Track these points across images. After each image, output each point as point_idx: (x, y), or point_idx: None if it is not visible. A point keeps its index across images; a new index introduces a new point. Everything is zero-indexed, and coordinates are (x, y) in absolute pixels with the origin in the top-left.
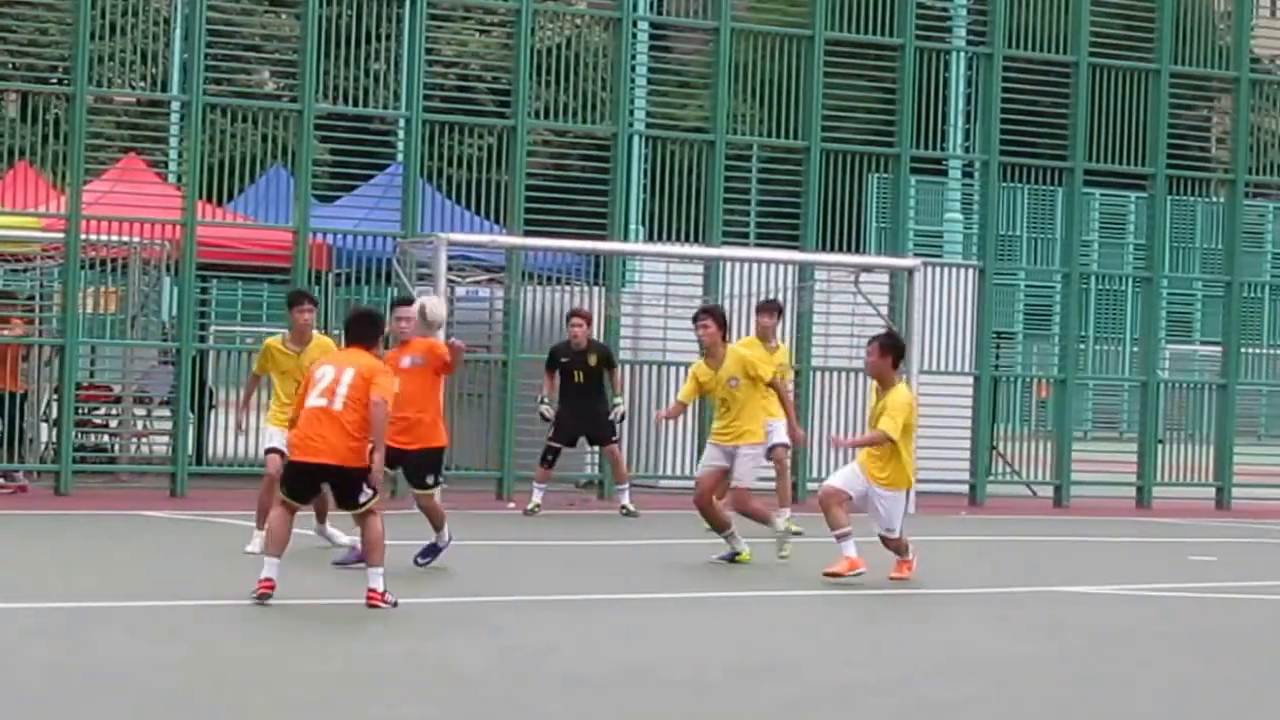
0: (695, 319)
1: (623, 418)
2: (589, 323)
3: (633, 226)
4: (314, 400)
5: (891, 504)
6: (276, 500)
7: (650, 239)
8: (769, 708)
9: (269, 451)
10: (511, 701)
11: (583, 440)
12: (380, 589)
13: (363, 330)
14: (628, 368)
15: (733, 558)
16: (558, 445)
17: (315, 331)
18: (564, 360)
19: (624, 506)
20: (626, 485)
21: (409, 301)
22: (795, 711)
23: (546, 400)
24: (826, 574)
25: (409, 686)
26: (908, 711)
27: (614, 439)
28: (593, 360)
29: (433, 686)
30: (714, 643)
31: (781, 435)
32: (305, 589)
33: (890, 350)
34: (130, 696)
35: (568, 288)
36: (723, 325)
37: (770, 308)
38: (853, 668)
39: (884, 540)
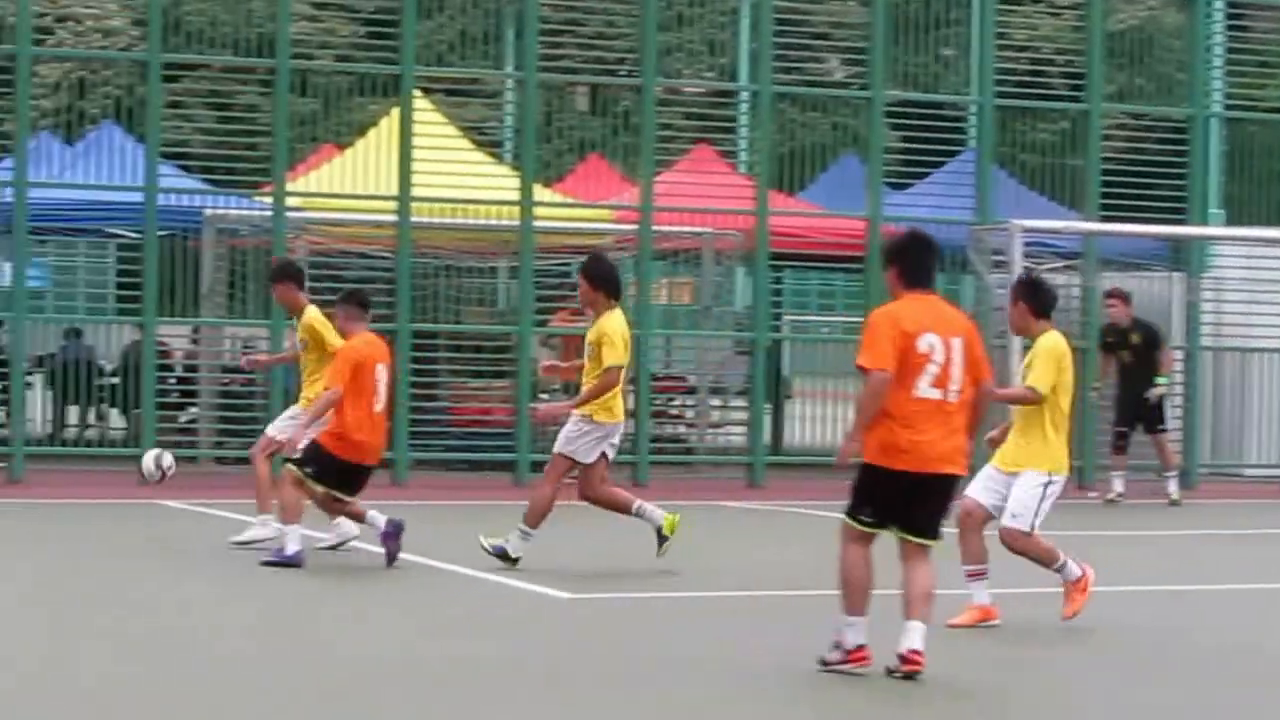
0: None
1: (1160, 400)
2: (1125, 301)
3: (1211, 210)
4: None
5: (1022, 488)
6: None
7: (1231, 223)
8: None
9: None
10: None
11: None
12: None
13: None
14: (1209, 355)
15: None
16: (1122, 429)
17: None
18: (1109, 340)
19: (1170, 496)
20: (1174, 474)
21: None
22: None
23: (1098, 384)
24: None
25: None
26: None
27: (1159, 427)
28: (1135, 339)
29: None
30: None
31: None
32: None
33: (1022, 297)
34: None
35: (1146, 274)
36: None
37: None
38: None
39: (1004, 538)
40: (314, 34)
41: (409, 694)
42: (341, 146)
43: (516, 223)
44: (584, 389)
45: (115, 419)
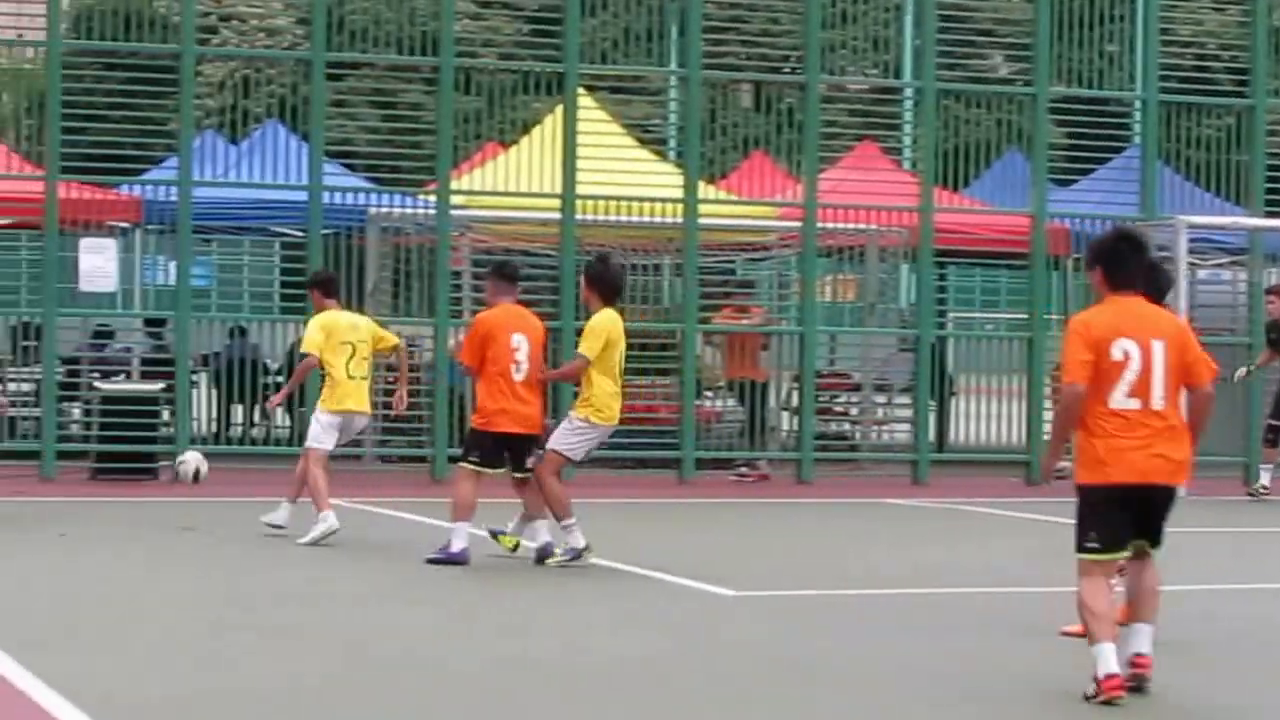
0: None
1: None
2: None
3: None
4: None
5: None
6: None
7: None
8: None
9: None
10: None
11: None
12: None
13: None
14: None
15: None
16: (1275, 423)
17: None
18: (1272, 337)
19: (1260, 486)
20: (1271, 465)
21: None
22: None
23: (1251, 367)
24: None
25: None
26: None
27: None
28: None
29: None
30: None
31: None
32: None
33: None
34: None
35: None
36: None
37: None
38: None
39: None
40: (478, 32)
41: (585, 692)
42: (505, 145)
43: (680, 220)
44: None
45: (280, 417)
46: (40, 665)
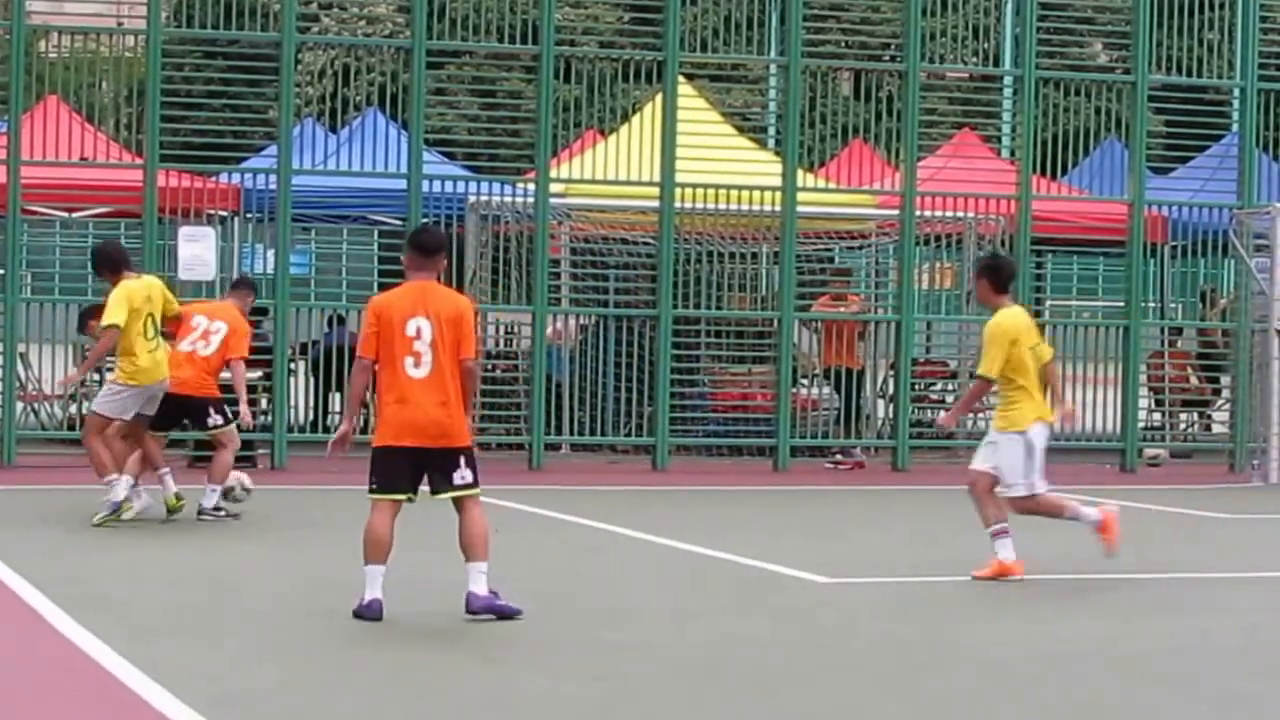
0: None
1: None
2: None
3: None
4: None
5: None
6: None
7: None
8: None
9: None
10: None
11: None
12: None
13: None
14: None
15: None
16: None
17: None
18: None
19: None
20: None
21: None
22: None
23: None
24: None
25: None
26: None
27: None
28: None
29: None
30: None
31: None
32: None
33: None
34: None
35: None
36: None
37: None
38: None
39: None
40: (578, 20)
41: (696, 675)
42: (605, 133)
43: (779, 208)
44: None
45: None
46: (146, 656)
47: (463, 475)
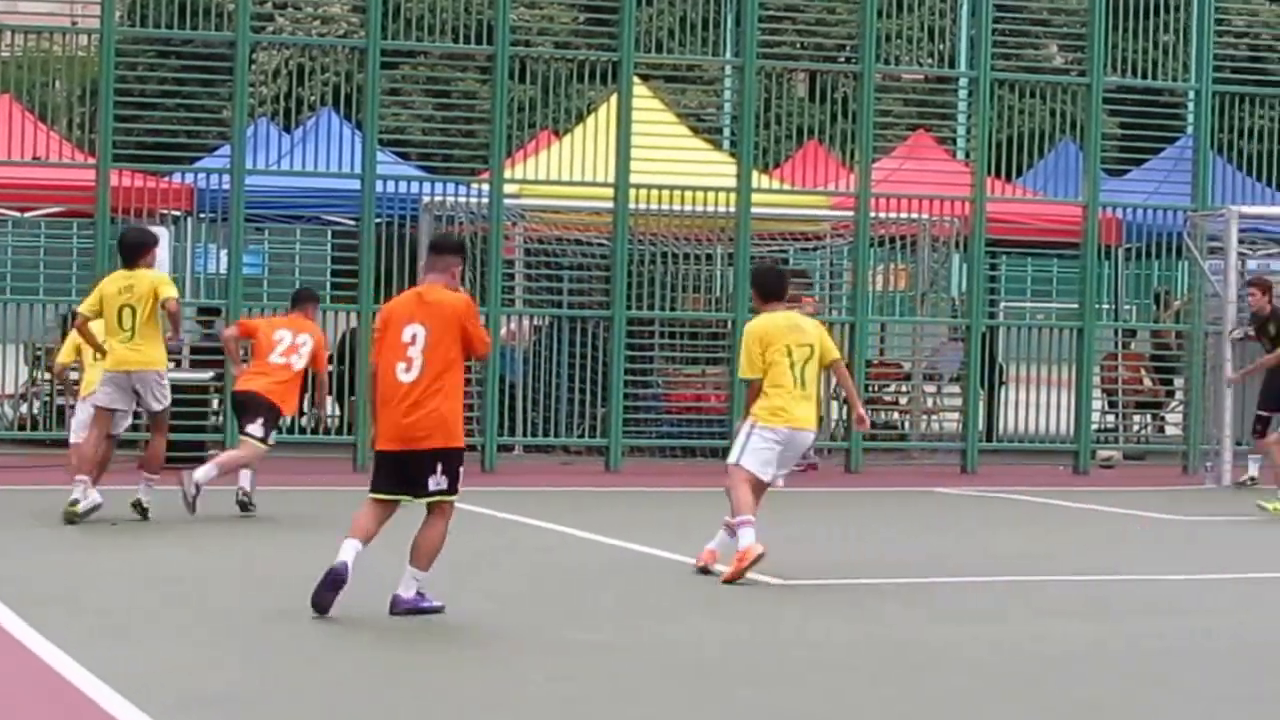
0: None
1: None
2: (1264, 291)
3: None
4: None
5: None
6: None
7: None
8: None
9: None
10: None
11: None
12: None
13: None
14: None
15: None
16: (1262, 414)
17: None
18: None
19: (1249, 477)
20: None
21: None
22: None
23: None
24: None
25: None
26: None
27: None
28: (1272, 330)
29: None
30: None
31: None
32: None
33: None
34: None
35: None
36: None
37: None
38: None
39: None
40: (533, 20)
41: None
42: (559, 133)
43: (734, 209)
44: None
45: (330, 407)
46: (94, 656)
47: (438, 481)
